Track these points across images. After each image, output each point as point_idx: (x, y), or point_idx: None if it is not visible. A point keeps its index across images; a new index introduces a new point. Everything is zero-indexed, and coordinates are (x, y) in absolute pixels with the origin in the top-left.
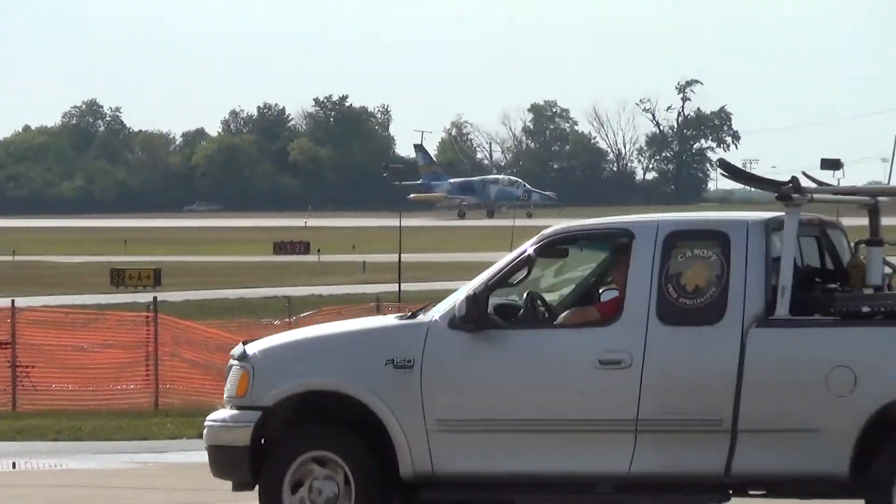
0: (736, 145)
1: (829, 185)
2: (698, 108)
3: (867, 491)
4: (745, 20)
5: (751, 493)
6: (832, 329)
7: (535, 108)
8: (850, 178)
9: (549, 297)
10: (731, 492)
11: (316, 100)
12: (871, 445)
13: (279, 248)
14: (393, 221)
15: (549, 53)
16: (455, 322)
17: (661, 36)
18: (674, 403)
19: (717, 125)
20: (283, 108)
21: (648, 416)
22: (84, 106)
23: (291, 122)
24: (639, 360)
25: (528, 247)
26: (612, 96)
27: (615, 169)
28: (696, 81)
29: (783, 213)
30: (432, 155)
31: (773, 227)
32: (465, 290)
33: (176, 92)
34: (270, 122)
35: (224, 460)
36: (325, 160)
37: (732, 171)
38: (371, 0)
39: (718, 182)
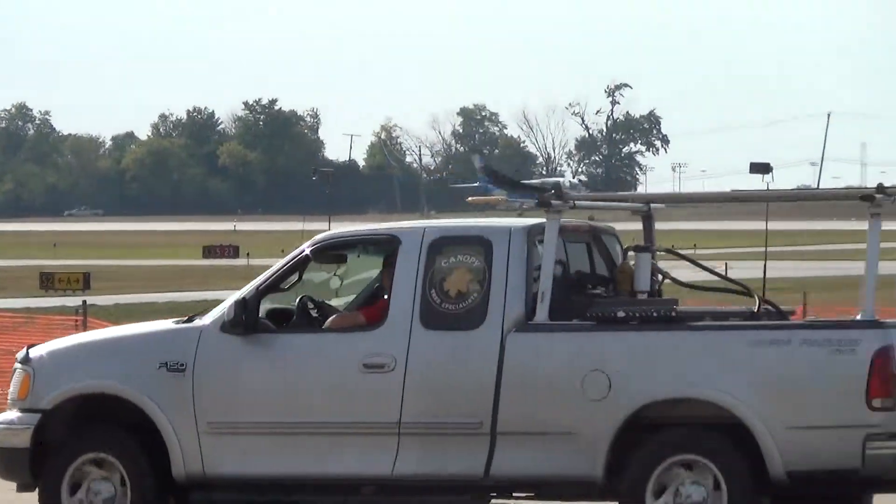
0: (665, 149)
1: (604, 192)
2: (627, 112)
3: (621, 494)
4: (674, 24)
5: (515, 495)
6: (588, 334)
7: (464, 112)
8: (780, 181)
9: (336, 301)
10: (493, 494)
11: (245, 103)
12: (625, 448)
13: (208, 251)
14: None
15: (479, 57)
16: (226, 326)
17: (591, 40)
18: (435, 407)
19: (647, 129)
20: (213, 111)
21: (411, 419)
22: (13, 109)
23: (221, 126)
24: (402, 363)
25: (303, 251)
26: (542, 100)
27: (544, 173)
28: (626, 85)
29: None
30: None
31: (536, 233)
32: (237, 294)
33: (105, 95)
34: (200, 125)
35: (6, 462)
36: (254, 164)
37: (495, 177)
38: (300, 4)
39: (647, 186)
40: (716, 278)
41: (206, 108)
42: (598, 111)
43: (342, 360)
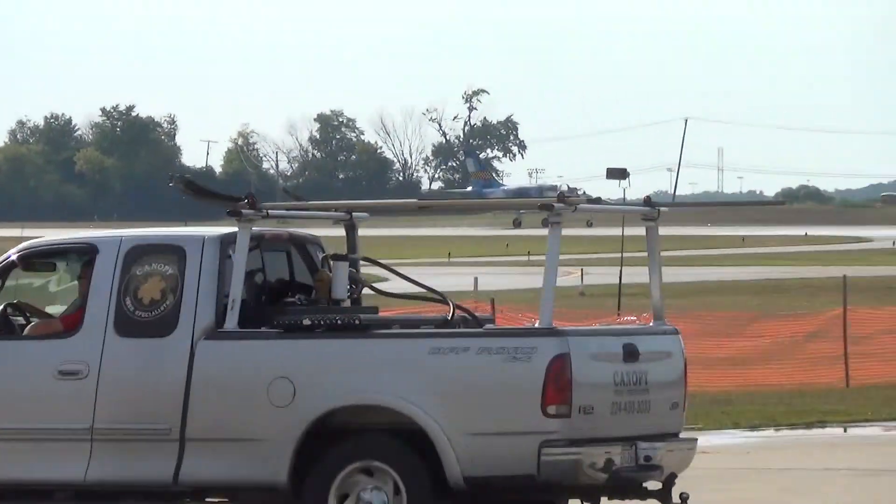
0: (522, 155)
1: (303, 201)
2: (485, 118)
3: (305, 499)
4: (530, 29)
5: (207, 500)
6: (274, 341)
7: (321, 118)
8: (637, 187)
9: (52, 308)
10: (187, 499)
11: (103, 109)
12: (311, 455)
13: None
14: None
15: (332, 62)
16: None
17: (448, 45)
18: (127, 413)
19: (504, 135)
20: (70, 118)
21: (103, 425)
22: None
23: (78, 132)
24: (95, 371)
25: (9, 257)
26: (399, 106)
27: (401, 179)
28: (483, 91)
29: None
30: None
31: (229, 242)
32: None
33: None
34: (57, 131)
35: None
36: (111, 170)
37: (190, 188)
38: (156, 9)
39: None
40: (420, 288)
41: (63, 114)
42: (455, 117)
43: (38, 367)
